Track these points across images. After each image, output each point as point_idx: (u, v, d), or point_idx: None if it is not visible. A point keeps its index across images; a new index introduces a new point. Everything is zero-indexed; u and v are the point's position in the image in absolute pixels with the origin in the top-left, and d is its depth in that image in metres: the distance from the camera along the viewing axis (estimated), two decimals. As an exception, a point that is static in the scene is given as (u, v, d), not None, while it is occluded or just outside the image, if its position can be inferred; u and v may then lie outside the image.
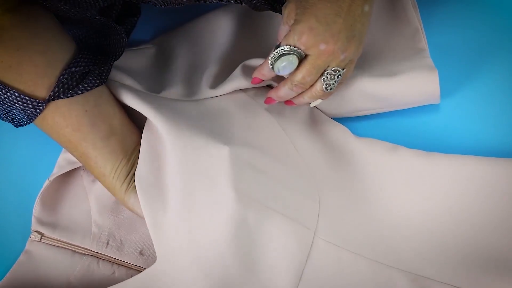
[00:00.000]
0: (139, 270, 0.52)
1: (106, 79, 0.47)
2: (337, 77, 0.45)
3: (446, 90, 0.53)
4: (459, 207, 0.49)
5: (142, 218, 0.46)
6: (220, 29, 0.57)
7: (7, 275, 0.51)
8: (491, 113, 0.53)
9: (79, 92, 0.44)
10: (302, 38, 0.42)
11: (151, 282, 0.45)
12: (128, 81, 0.50)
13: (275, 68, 0.45)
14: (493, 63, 0.54)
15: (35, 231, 0.53)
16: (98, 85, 0.46)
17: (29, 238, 0.53)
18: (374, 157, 0.51)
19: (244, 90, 0.54)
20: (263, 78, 0.49)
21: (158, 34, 0.61)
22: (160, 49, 0.58)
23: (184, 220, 0.44)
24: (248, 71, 0.52)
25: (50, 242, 0.52)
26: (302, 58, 0.44)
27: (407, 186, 0.50)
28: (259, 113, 0.53)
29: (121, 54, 0.48)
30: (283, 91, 0.48)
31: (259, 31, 0.58)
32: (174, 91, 0.52)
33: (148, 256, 0.52)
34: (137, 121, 0.50)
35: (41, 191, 0.52)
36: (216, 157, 0.45)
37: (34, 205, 0.52)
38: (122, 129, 0.47)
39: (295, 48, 0.43)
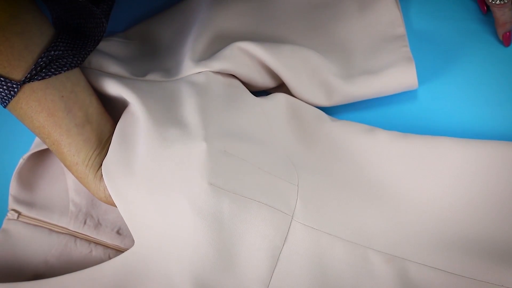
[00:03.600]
0: (116, 249, 0.52)
1: (82, 62, 0.46)
2: None
3: (423, 75, 0.54)
4: (435, 187, 0.49)
5: (116, 207, 0.45)
6: (200, 6, 0.57)
7: (-17, 253, 0.51)
8: (467, 96, 0.54)
9: (53, 71, 0.43)
10: None
11: (131, 264, 0.45)
12: (113, 68, 0.50)
13: None
14: (470, 47, 0.55)
15: (12, 210, 0.52)
16: (73, 67, 0.45)
17: (6, 217, 0.52)
18: (351, 139, 0.52)
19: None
20: (509, 28, 0.52)
21: (132, 24, 0.60)
22: (142, 36, 0.58)
23: (156, 211, 0.44)
24: (238, 53, 0.51)
25: (27, 221, 0.52)
26: None
27: (384, 167, 0.51)
28: (241, 94, 0.52)
29: (100, 39, 0.48)
30: None
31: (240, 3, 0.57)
32: (158, 73, 0.52)
33: (125, 236, 0.52)
34: (112, 114, 0.49)
35: (16, 169, 0.52)
36: (191, 149, 0.44)
37: (10, 183, 0.52)
38: (97, 118, 0.47)
39: None
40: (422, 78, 0.53)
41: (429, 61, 0.54)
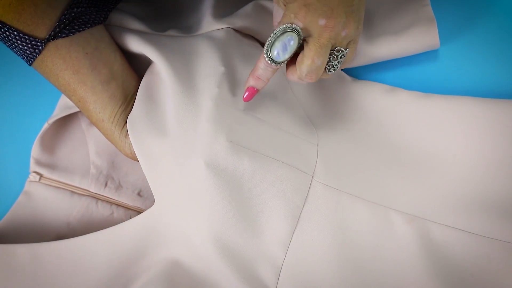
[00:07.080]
0: (137, 210, 0.52)
1: (105, 19, 0.46)
2: (340, 58, 0.42)
3: (444, 34, 0.53)
4: (457, 147, 0.49)
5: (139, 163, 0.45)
6: None
7: (6, 215, 0.52)
8: (489, 55, 0.53)
9: (76, 28, 0.43)
10: (299, 15, 0.38)
11: (151, 224, 0.46)
12: (134, 25, 0.50)
13: (273, 54, 0.40)
14: (492, 6, 0.54)
15: (33, 172, 0.53)
16: (96, 24, 0.45)
17: (28, 179, 0.53)
18: (372, 99, 0.51)
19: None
20: (257, 85, 0.44)
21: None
22: None
23: (178, 168, 0.44)
24: (260, 11, 0.51)
25: (49, 183, 0.53)
26: (302, 42, 0.41)
27: (404, 127, 0.50)
28: (261, 53, 0.52)
29: None
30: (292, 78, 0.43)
31: None
32: (179, 29, 0.51)
33: (146, 198, 0.52)
34: (137, 70, 0.50)
35: (40, 133, 0.52)
36: (216, 106, 0.44)
37: (33, 147, 0.53)
38: (122, 74, 0.47)
39: (292, 26, 0.39)
40: (443, 37, 0.52)
41: (451, 21, 0.53)
